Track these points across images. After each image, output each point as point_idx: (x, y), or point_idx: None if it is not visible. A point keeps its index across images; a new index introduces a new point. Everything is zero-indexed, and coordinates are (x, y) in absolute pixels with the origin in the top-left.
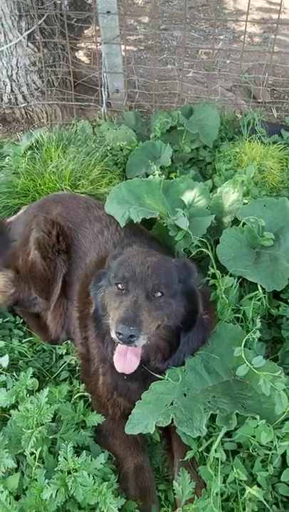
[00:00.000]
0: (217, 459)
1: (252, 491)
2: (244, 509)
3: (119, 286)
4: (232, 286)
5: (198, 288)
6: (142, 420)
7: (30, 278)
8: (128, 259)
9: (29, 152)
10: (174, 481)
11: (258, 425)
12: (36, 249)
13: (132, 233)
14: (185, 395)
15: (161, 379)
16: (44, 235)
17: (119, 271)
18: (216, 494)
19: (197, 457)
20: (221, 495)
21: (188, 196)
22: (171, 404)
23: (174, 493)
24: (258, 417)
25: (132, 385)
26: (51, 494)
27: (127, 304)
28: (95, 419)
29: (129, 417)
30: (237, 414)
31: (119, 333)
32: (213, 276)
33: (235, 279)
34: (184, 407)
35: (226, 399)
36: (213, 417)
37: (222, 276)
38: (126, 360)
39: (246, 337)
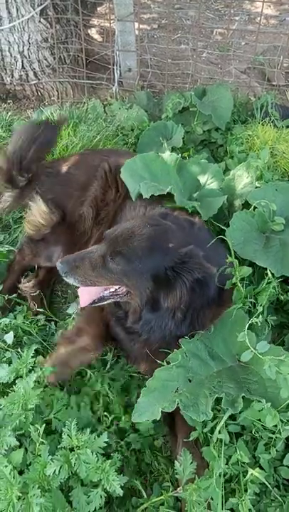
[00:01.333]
0: (220, 440)
1: (254, 472)
2: (246, 491)
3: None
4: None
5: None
6: (148, 408)
7: (71, 230)
8: (130, 220)
9: None
10: (175, 461)
11: (262, 408)
12: (92, 206)
13: None
14: (190, 380)
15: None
16: (101, 192)
17: None
18: (219, 475)
19: (201, 438)
20: (224, 475)
21: (201, 177)
22: (176, 390)
23: (176, 473)
24: (263, 400)
25: (119, 330)
26: (55, 470)
27: (84, 251)
28: None
29: (136, 405)
30: (243, 397)
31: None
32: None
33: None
34: (190, 392)
35: (231, 383)
36: (218, 401)
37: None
38: (81, 292)
39: (249, 322)
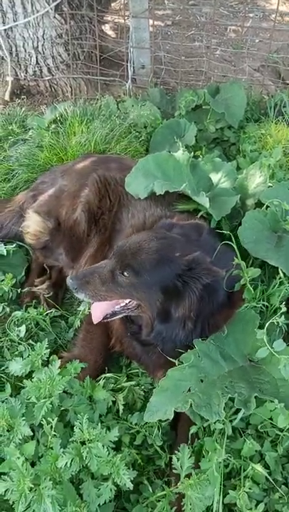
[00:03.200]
0: (222, 433)
1: (255, 466)
2: (250, 488)
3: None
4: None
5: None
6: (161, 407)
7: (67, 235)
8: (137, 235)
9: (53, 126)
10: (173, 456)
11: (275, 408)
12: (84, 211)
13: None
14: (202, 381)
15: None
16: (96, 199)
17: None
18: (219, 464)
19: (201, 433)
20: (225, 467)
21: (214, 176)
22: (189, 390)
23: (174, 469)
24: (276, 400)
25: (136, 344)
26: (66, 463)
27: (93, 266)
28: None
29: (148, 405)
30: (255, 397)
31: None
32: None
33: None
34: (202, 392)
35: (243, 383)
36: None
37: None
38: (93, 309)
39: (269, 321)
